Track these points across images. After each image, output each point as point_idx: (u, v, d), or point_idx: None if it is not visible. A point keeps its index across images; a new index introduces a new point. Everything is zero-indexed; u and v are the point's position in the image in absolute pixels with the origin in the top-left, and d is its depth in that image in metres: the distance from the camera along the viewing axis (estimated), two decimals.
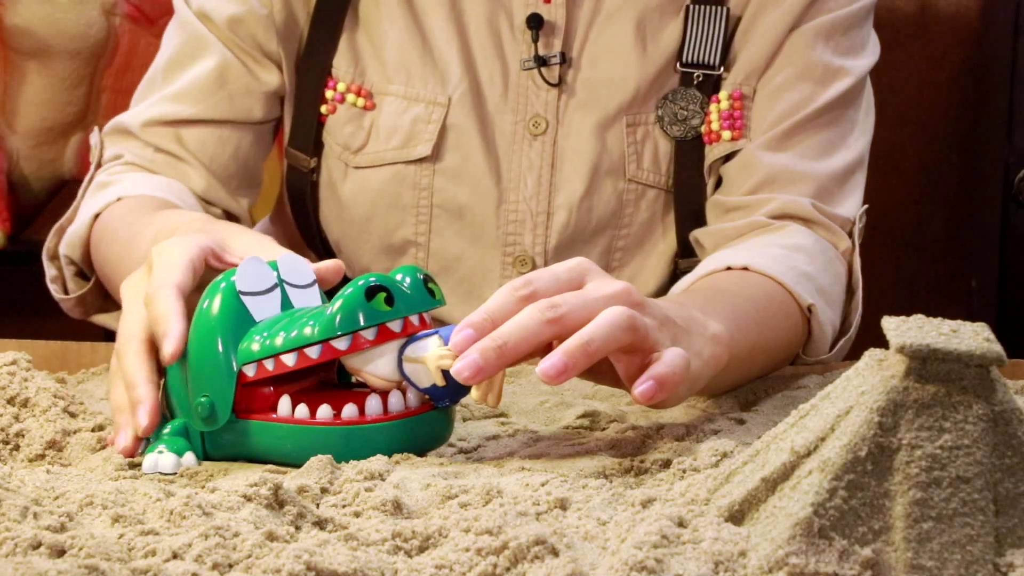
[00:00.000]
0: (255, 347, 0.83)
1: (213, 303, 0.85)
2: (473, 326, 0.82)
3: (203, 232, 0.95)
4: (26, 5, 2.34)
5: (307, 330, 0.82)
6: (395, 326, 0.82)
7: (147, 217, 1.11)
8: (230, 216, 1.30)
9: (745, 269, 1.10)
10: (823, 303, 1.12)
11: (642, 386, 0.82)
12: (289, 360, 0.82)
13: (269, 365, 0.83)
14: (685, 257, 1.26)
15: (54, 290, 1.26)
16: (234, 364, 0.83)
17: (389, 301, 0.81)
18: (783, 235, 1.17)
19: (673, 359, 0.83)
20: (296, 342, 0.82)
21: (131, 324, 0.89)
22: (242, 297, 0.85)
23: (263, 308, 0.85)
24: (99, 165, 1.30)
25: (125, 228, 1.14)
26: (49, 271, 1.26)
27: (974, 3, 2.46)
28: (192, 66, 1.27)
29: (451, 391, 0.84)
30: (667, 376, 0.82)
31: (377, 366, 0.84)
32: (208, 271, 0.91)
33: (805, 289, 1.10)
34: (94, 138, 1.32)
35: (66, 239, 1.23)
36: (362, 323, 0.81)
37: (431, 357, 0.82)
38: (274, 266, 0.87)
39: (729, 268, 1.11)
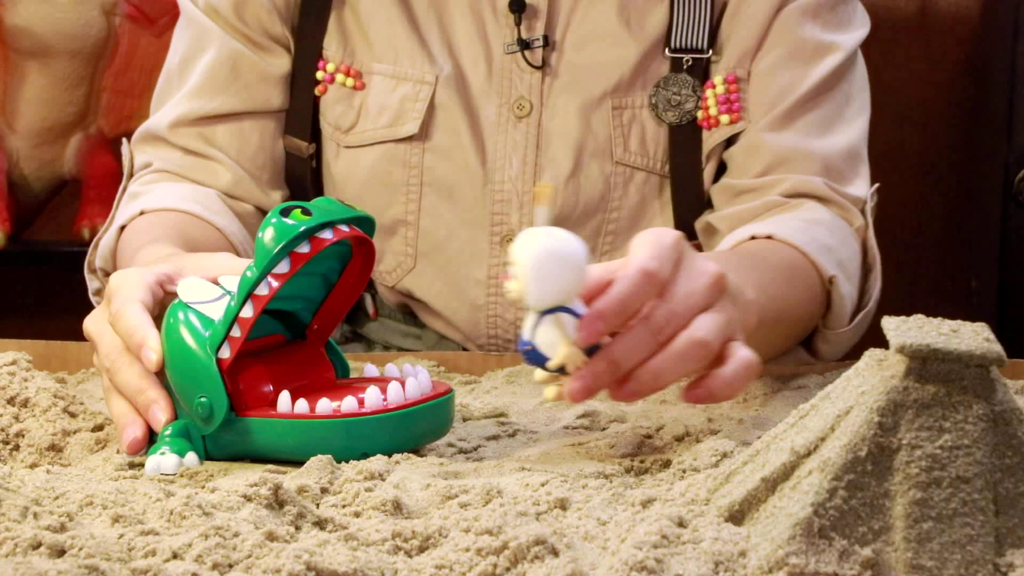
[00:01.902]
0: (217, 328, 0.84)
1: (176, 316, 0.86)
2: (604, 318, 0.81)
3: (163, 262, 0.97)
4: (26, 5, 2.34)
5: (247, 274, 0.83)
6: (325, 234, 0.84)
7: (144, 249, 1.11)
8: (261, 212, 1.31)
9: (769, 238, 1.12)
10: (843, 276, 1.15)
11: (693, 391, 0.83)
12: (247, 311, 0.83)
13: (235, 332, 0.84)
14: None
15: (97, 303, 1.26)
16: (211, 354, 0.84)
17: (307, 213, 0.83)
18: (801, 211, 1.19)
19: (735, 371, 0.83)
20: (243, 291, 0.83)
21: (109, 344, 0.90)
22: (191, 306, 0.86)
23: (216, 313, 0.86)
24: (131, 175, 1.31)
25: (131, 252, 1.15)
26: (92, 284, 1.27)
27: (974, 3, 2.46)
28: (203, 59, 1.28)
29: (539, 364, 0.83)
30: (721, 391, 0.83)
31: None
32: (168, 296, 0.92)
33: (827, 260, 1.13)
34: (124, 149, 1.33)
35: (99, 251, 1.24)
36: (290, 236, 0.82)
37: (569, 355, 0.82)
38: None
39: (754, 237, 1.13)
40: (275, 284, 0.83)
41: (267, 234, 0.83)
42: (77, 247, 2.37)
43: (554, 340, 0.81)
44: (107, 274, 1.24)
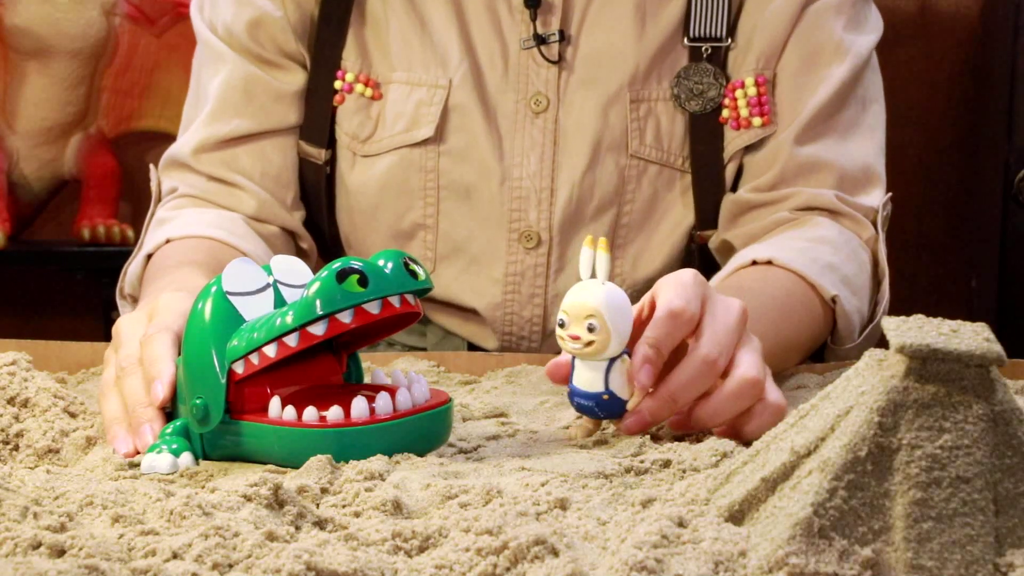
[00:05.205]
0: (240, 344, 0.84)
1: (205, 306, 0.85)
2: (650, 361, 0.84)
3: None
4: (26, 5, 2.34)
5: (285, 319, 0.82)
6: (372, 308, 0.82)
7: (170, 274, 1.13)
8: (287, 232, 1.31)
9: (769, 263, 1.13)
10: (848, 292, 1.15)
11: (724, 432, 0.87)
12: (270, 351, 0.83)
13: (254, 359, 0.83)
14: (703, 229, 1.28)
15: None
16: (225, 364, 0.84)
17: (363, 283, 0.81)
18: (808, 228, 1.20)
19: (775, 411, 0.86)
20: (275, 332, 0.82)
21: (132, 349, 0.91)
22: (230, 297, 0.85)
23: (254, 308, 0.85)
24: (159, 199, 1.33)
25: (157, 279, 1.16)
26: (123, 310, 1.28)
27: (974, 3, 2.46)
28: (217, 84, 1.29)
29: (615, 411, 0.87)
30: (751, 435, 0.86)
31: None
32: None
33: (829, 280, 1.14)
34: (152, 175, 1.35)
35: (127, 279, 1.26)
36: (337, 306, 0.81)
37: (639, 394, 0.85)
38: (268, 269, 0.87)
39: (755, 262, 1.14)
40: (306, 342, 0.82)
41: (314, 292, 0.81)
42: (77, 247, 2.38)
43: (624, 383, 0.85)
44: (135, 300, 1.25)
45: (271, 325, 0.83)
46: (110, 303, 1.35)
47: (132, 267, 1.25)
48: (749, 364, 0.85)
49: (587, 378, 0.86)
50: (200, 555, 0.64)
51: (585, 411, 0.87)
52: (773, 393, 0.87)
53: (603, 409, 0.86)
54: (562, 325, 0.84)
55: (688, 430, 0.87)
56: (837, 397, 0.67)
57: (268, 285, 0.87)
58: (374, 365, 1.07)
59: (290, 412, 0.83)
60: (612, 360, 0.85)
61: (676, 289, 0.86)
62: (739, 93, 1.24)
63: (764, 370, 0.86)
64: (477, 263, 1.29)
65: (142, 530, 0.67)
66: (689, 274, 0.87)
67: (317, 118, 1.30)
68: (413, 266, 0.84)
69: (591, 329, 0.83)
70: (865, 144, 1.25)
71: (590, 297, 0.83)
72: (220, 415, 0.84)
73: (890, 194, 1.27)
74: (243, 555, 0.64)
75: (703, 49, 1.25)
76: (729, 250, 1.26)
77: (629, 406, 0.86)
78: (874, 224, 1.24)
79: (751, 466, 0.70)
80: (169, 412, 0.88)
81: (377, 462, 0.79)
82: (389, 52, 1.27)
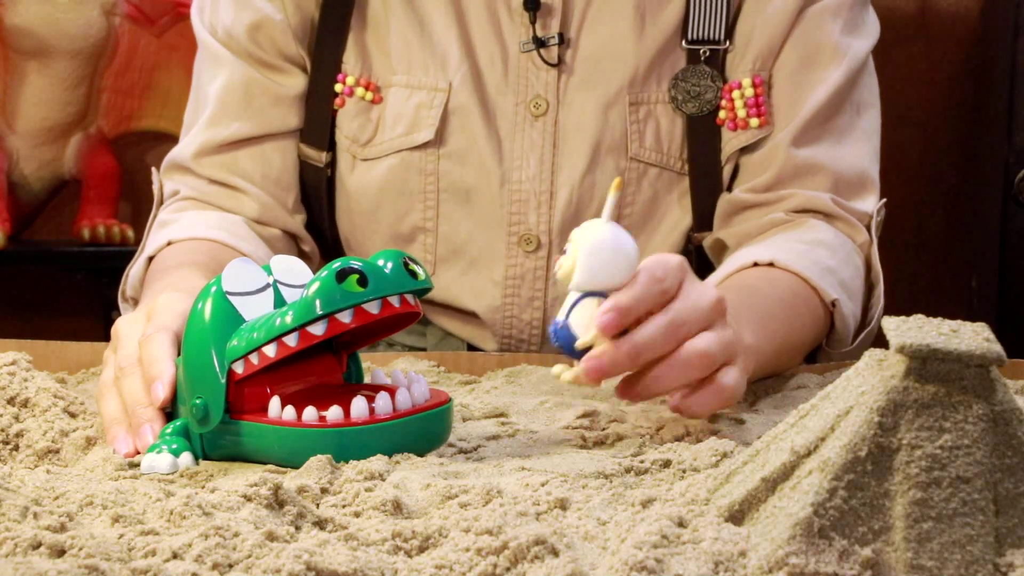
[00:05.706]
0: (240, 344, 0.84)
1: (205, 306, 0.86)
2: (619, 311, 0.84)
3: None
4: (26, 5, 2.34)
5: (284, 319, 0.82)
6: (372, 307, 0.83)
7: (170, 275, 1.13)
8: (288, 235, 1.31)
9: (771, 265, 1.14)
10: (845, 296, 1.16)
11: (672, 402, 0.89)
12: (270, 351, 0.83)
13: (254, 359, 0.83)
14: (701, 231, 1.28)
15: None
16: (224, 364, 0.84)
17: (362, 283, 0.82)
18: (804, 230, 1.20)
19: (721, 393, 0.87)
20: (275, 331, 0.82)
21: (131, 350, 0.92)
22: (230, 297, 0.85)
23: (253, 308, 0.85)
24: (161, 202, 1.33)
25: (156, 281, 1.16)
26: (125, 312, 1.28)
27: (974, 3, 2.46)
28: (216, 87, 1.29)
29: (565, 344, 0.86)
30: (692, 410, 0.88)
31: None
32: None
33: (829, 284, 1.14)
34: (154, 178, 1.35)
35: (129, 281, 1.26)
36: (336, 306, 0.81)
37: (599, 338, 0.85)
38: (268, 269, 0.87)
39: (756, 264, 1.14)
40: (306, 342, 0.82)
41: (314, 292, 0.81)
42: (77, 247, 2.38)
43: (587, 323, 0.85)
44: (137, 303, 1.25)
45: (271, 325, 0.83)
46: (110, 303, 1.35)
47: (134, 270, 1.25)
48: (705, 339, 0.86)
49: (563, 304, 0.86)
50: (200, 555, 0.64)
51: (550, 334, 0.87)
52: (729, 376, 0.88)
53: (557, 338, 0.86)
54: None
55: (634, 396, 0.87)
56: (837, 397, 0.67)
57: (268, 285, 0.87)
58: (374, 365, 1.07)
59: (290, 412, 0.83)
60: (584, 295, 0.85)
61: (660, 262, 0.87)
62: (736, 94, 1.24)
63: (724, 351, 0.87)
64: (476, 266, 1.29)
65: (142, 530, 0.67)
66: (676, 257, 0.88)
67: (317, 121, 1.30)
68: (413, 266, 0.84)
69: (564, 252, 0.85)
70: (860, 149, 1.25)
71: (581, 228, 0.85)
72: (220, 415, 0.84)
73: (884, 200, 1.26)
74: (243, 555, 0.64)
75: (701, 52, 1.25)
76: (722, 249, 1.26)
77: (578, 344, 0.85)
78: (868, 229, 1.24)
79: (751, 466, 0.70)
80: (169, 412, 0.88)
81: (377, 462, 0.79)
82: (389, 55, 1.27)
